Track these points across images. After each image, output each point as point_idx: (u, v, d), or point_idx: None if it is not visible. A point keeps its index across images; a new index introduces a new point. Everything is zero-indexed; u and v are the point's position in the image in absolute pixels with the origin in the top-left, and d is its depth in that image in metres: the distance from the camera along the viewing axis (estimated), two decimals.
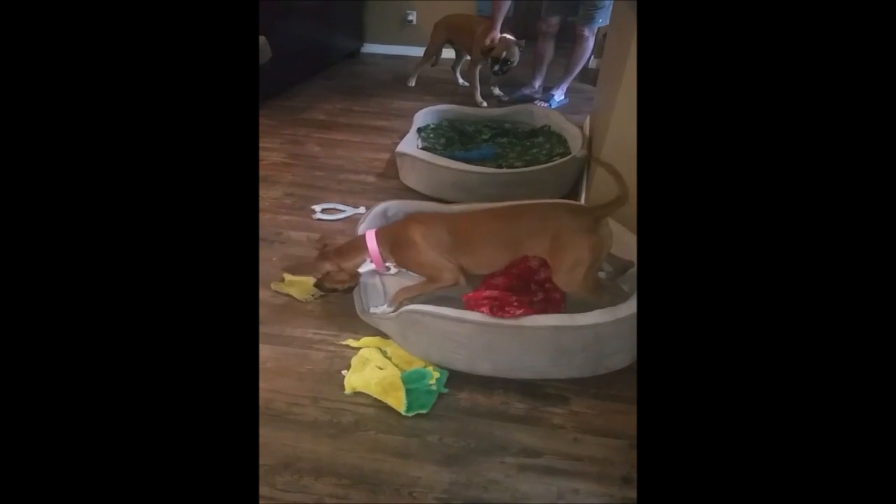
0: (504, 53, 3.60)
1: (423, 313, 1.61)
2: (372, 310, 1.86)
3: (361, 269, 1.90)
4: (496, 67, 3.68)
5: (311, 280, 1.97)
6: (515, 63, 3.69)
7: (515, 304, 1.62)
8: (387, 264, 1.90)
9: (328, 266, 1.86)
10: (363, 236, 1.89)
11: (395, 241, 1.85)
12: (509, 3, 3.64)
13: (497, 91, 4.02)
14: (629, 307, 1.56)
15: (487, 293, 1.70)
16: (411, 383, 1.57)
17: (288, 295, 1.98)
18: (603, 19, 3.55)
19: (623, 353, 1.64)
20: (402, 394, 1.53)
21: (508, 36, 3.66)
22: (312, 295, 1.97)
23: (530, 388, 1.63)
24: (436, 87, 4.24)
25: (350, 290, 1.94)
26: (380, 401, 1.55)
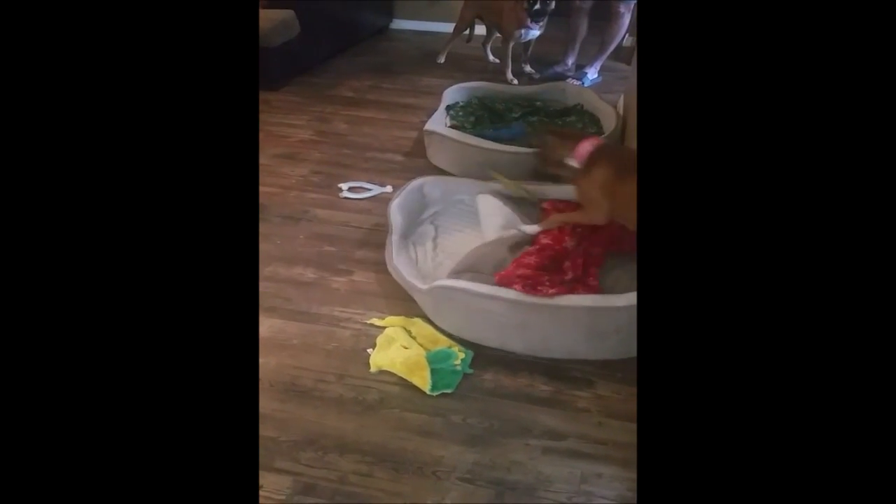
0: None
1: (456, 289, 1.61)
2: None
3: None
4: (536, 6, 3.54)
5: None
6: (552, 3, 3.56)
7: (548, 283, 1.61)
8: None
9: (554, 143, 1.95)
10: (582, 135, 1.97)
11: (594, 163, 1.83)
12: None
13: (528, 68, 3.93)
14: None
15: (520, 272, 1.69)
16: (436, 363, 1.57)
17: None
18: None
19: None
20: (427, 373, 1.54)
21: None
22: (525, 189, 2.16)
23: (555, 371, 1.62)
24: (465, 64, 4.16)
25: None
26: (405, 379, 1.56)
